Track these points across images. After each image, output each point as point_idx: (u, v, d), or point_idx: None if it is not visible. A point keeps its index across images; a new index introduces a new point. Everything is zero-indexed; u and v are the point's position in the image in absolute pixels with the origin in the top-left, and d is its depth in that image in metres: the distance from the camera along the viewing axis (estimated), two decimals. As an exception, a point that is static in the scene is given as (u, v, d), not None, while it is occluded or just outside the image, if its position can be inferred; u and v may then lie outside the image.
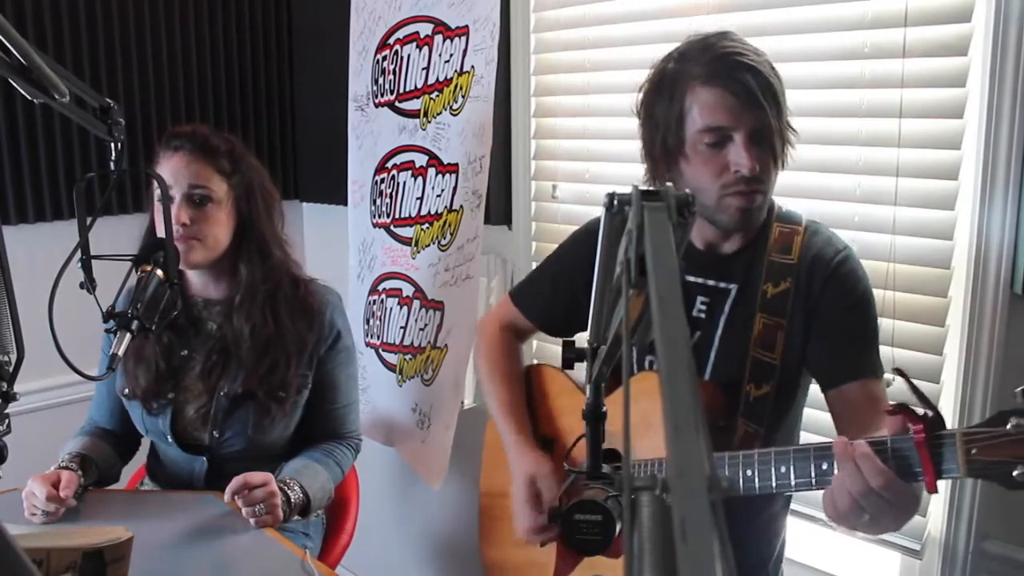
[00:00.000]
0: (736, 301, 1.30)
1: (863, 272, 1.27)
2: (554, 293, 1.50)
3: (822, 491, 1.06)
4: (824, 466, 1.03)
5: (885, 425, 1.04)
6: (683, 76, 1.20)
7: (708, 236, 1.31)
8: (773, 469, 1.07)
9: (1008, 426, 0.91)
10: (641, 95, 1.29)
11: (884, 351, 1.44)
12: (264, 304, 1.62)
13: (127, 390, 1.64)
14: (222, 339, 1.63)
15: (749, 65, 1.16)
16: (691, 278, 1.33)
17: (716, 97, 1.16)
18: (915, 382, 0.99)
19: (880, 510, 0.99)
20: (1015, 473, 0.90)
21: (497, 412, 1.47)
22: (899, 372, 1.02)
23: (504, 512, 1.52)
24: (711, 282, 1.32)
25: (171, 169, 1.55)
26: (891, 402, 1.02)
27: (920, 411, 0.97)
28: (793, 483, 1.06)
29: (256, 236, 1.64)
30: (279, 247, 1.68)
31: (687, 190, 1.36)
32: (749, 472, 1.08)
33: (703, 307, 1.32)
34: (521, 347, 1.59)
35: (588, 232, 1.46)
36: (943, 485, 1.19)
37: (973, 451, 0.93)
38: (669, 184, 1.02)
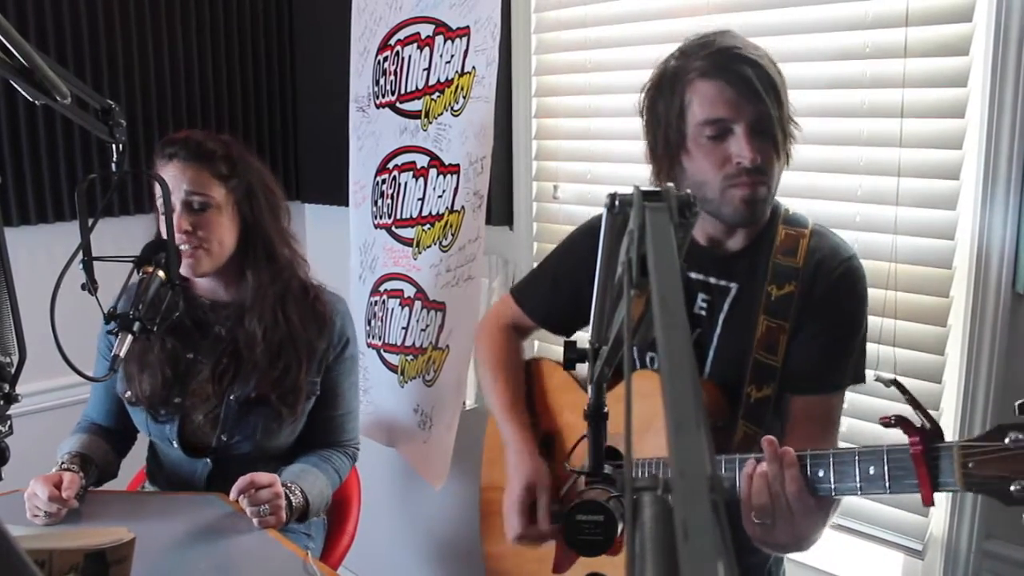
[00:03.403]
0: (735, 300, 1.29)
1: (864, 282, 1.27)
2: (555, 291, 1.49)
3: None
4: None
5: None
6: (683, 72, 1.21)
7: (711, 231, 1.30)
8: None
9: (1006, 440, 0.90)
10: (643, 94, 1.30)
11: (885, 351, 1.45)
12: (275, 306, 1.61)
13: (130, 395, 1.62)
14: (232, 342, 1.62)
15: (748, 58, 1.17)
16: (693, 275, 1.32)
17: (715, 90, 1.17)
18: (912, 383, 0.99)
19: (783, 517, 1.03)
20: (1013, 488, 0.90)
21: (498, 410, 1.47)
22: (896, 384, 1.02)
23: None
24: (712, 280, 1.31)
25: (167, 177, 1.52)
26: (886, 415, 1.02)
27: (918, 423, 0.97)
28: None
29: (261, 238, 1.63)
30: (286, 244, 1.67)
31: (688, 190, 1.35)
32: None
33: (704, 304, 1.32)
34: (522, 344, 1.59)
35: (589, 229, 1.46)
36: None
37: (970, 465, 0.92)
38: (670, 185, 1.02)
